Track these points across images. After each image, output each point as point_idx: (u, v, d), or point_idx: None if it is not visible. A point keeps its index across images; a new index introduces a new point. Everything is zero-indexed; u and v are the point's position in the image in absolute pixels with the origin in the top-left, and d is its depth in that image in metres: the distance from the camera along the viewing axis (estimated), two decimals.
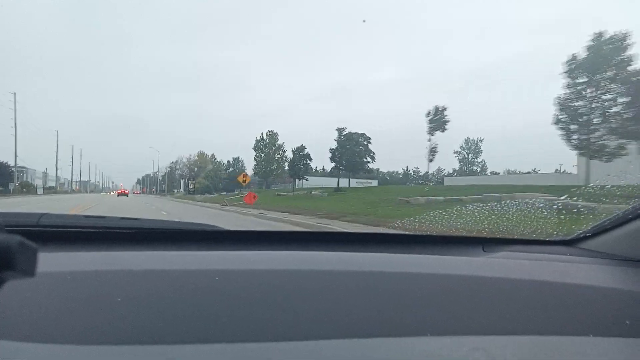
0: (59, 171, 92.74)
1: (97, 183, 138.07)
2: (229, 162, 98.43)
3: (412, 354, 0.77)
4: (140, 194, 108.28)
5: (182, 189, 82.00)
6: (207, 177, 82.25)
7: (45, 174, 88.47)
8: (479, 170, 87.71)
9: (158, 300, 0.82)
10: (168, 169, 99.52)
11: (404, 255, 1.14)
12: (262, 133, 69.22)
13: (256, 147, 67.71)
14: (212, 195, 54.58)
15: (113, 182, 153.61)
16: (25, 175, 69.02)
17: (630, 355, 0.84)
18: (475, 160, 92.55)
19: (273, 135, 68.61)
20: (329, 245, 1.23)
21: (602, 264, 1.15)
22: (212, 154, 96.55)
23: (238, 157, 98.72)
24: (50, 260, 0.89)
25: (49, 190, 70.56)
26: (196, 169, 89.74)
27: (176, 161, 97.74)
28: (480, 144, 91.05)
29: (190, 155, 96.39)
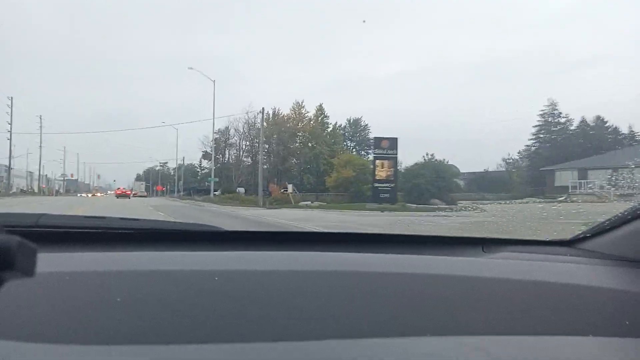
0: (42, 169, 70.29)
1: (78, 180, 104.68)
2: (341, 126, 58.70)
3: (412, 354, 0.77)
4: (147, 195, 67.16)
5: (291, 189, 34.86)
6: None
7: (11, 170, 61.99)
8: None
9: (158, 300, 0.82)
10: (212, 145, 47.16)
11: (404, 256, 1.14)
12: None
13: None
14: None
15: (99, 176, 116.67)
16: None
17: (630, 355, 0.84)
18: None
19: None
20: (329, 246, 1.23)
21: (602, 264, 1.16)
22: (320, 105, 51.72)
23: (359, 118, 60.45)
24: (49, 261, 0.89)
25: None
26: (273, 141, 44.82)
27: (227, 128, 49.77)
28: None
29: (266, 111, 39.54)
